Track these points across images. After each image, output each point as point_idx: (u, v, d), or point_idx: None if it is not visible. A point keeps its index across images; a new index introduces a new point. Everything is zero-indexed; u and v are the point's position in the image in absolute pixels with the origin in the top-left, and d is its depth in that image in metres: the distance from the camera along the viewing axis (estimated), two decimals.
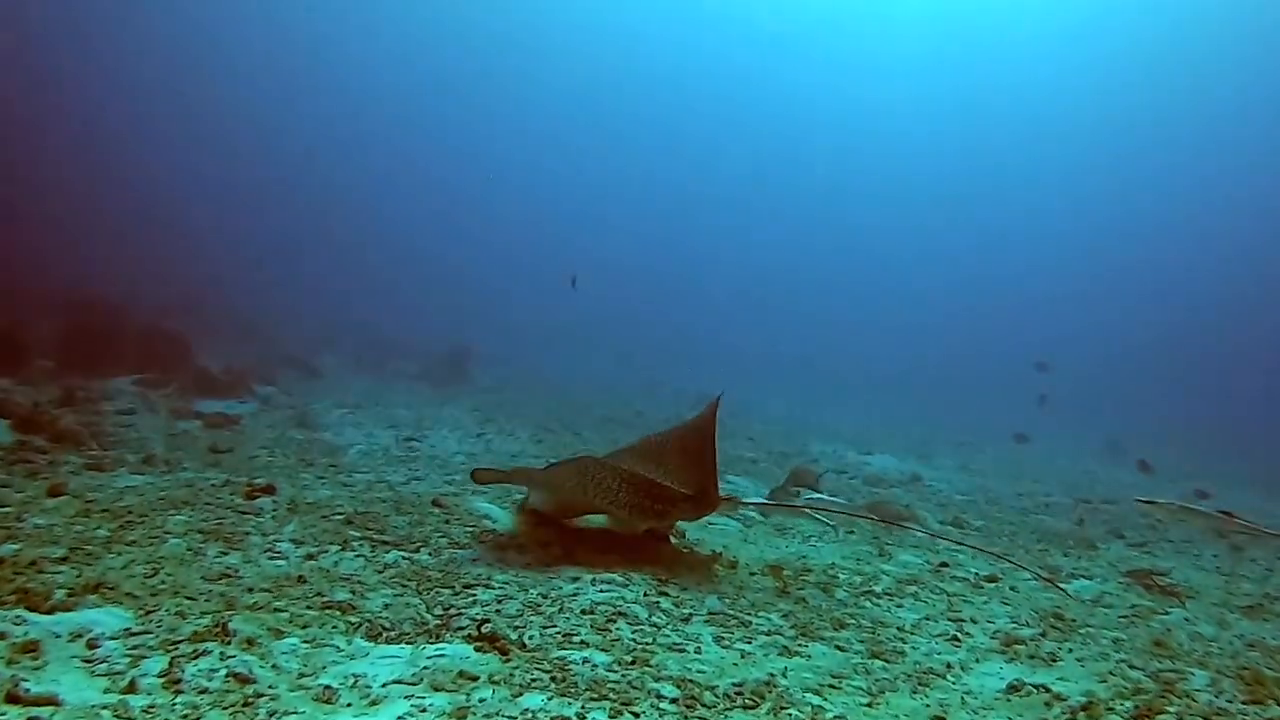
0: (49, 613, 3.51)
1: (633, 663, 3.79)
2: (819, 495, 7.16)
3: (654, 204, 74.43)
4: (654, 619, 4.45)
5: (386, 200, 67.98)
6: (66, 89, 50.34)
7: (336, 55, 65.26)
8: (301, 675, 3.32)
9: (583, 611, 4.40)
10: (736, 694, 3.58)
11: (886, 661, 4.26)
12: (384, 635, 3.86)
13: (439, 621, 4.08)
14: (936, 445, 18.29)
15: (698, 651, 4.07)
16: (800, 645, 4.34)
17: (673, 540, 6.40)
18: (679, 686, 3.57)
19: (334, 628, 3.84)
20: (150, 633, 3.45)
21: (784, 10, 65.88)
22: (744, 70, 70.64)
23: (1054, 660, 4.56)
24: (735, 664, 3.99)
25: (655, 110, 74.03)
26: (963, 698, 3.91)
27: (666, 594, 4.91)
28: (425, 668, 3.51)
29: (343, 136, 66.25)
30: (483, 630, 3.90)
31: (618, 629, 4.22)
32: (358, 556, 4.93)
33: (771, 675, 3.86)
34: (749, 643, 4.29)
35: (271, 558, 4.73)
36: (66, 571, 3.98)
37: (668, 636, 4.20)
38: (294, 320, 30.29)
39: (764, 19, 66.64)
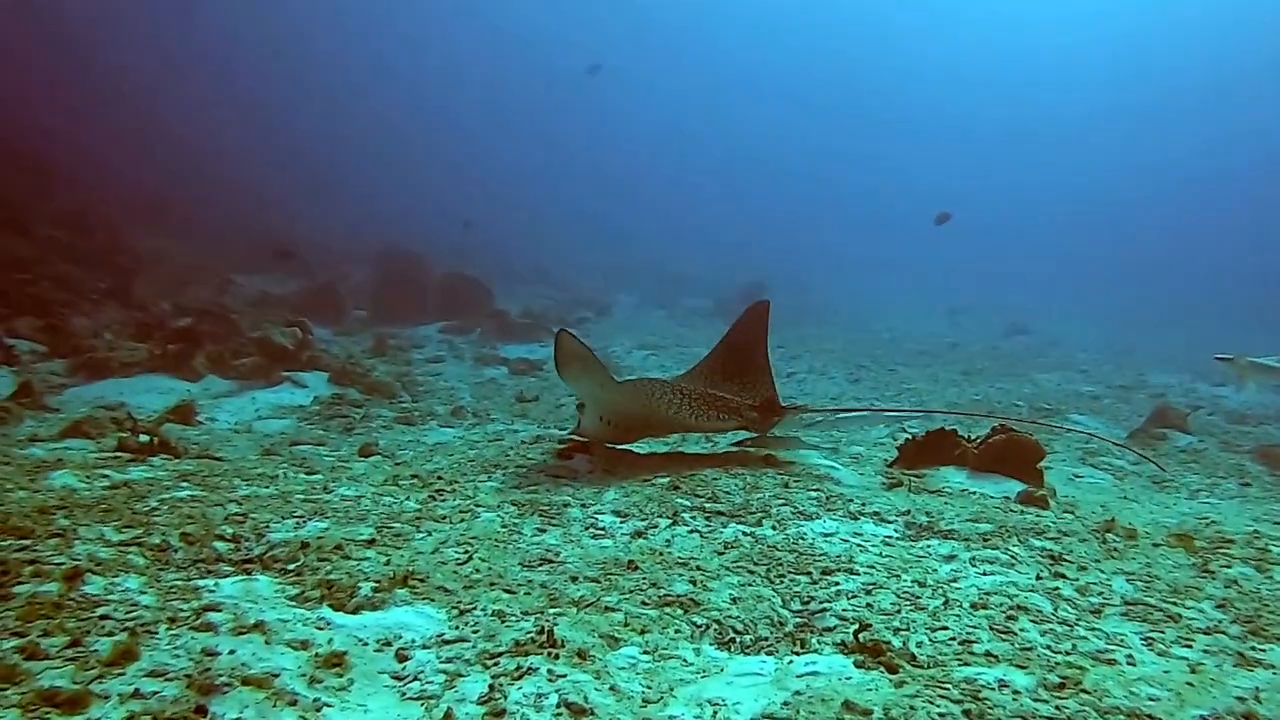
0: (355, 612, 3.07)
1: (1061, 685, 2.82)
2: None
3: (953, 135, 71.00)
4: (1061, 613, 3.43)
5: (674, 138, 69.16)
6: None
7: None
8: (646, 702, 2.64)
9: (973, 605, 3.45)
10: None
11: None
12: (737, 641, 3.13)
13: (800, 620, 3.30)
14: None
15: (1130, 662, 3.02)
16: (1258, 650, 3.17)
17: (1050, 503, 5.36)
18: None
19: (677, 631, 3.15)
20: (466, 640, 2.91)
21: None
22: None
23: None
24: (1189, 683, 2.91)
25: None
26: None
27: (1064, 575, 3.88)
28: (798, 693, 2.73)
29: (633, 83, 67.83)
30: (861, 638, 3.08)
31: (1023, 630, 3.24)
32: (692, 533, 4.25)
33: (1243, 700, 2.77)
34: (1188, 646, 3.18)
35: (595, 536, 4.15)
36: (373, 558, 3.57)
37: (1087, 640, 3.18)
38: (586, 261, 30.95)
39: None
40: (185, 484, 4.59)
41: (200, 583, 3.17)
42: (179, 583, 3.15)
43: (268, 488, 4.69)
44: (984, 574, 3.85)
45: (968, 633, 3.17)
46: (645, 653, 2.95)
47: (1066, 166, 65.89)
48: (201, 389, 8.59)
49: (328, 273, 17.96)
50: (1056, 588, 3.71)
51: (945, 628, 3.21)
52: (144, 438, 5.61)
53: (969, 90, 72.26)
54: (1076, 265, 45.46)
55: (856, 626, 3.14)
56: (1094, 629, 3.28)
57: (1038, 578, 3.82)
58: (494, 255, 25.64)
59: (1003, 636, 3.17)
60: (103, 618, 2.78)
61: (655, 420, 5.84)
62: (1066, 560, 4.11)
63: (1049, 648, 3.09)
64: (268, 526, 3.87)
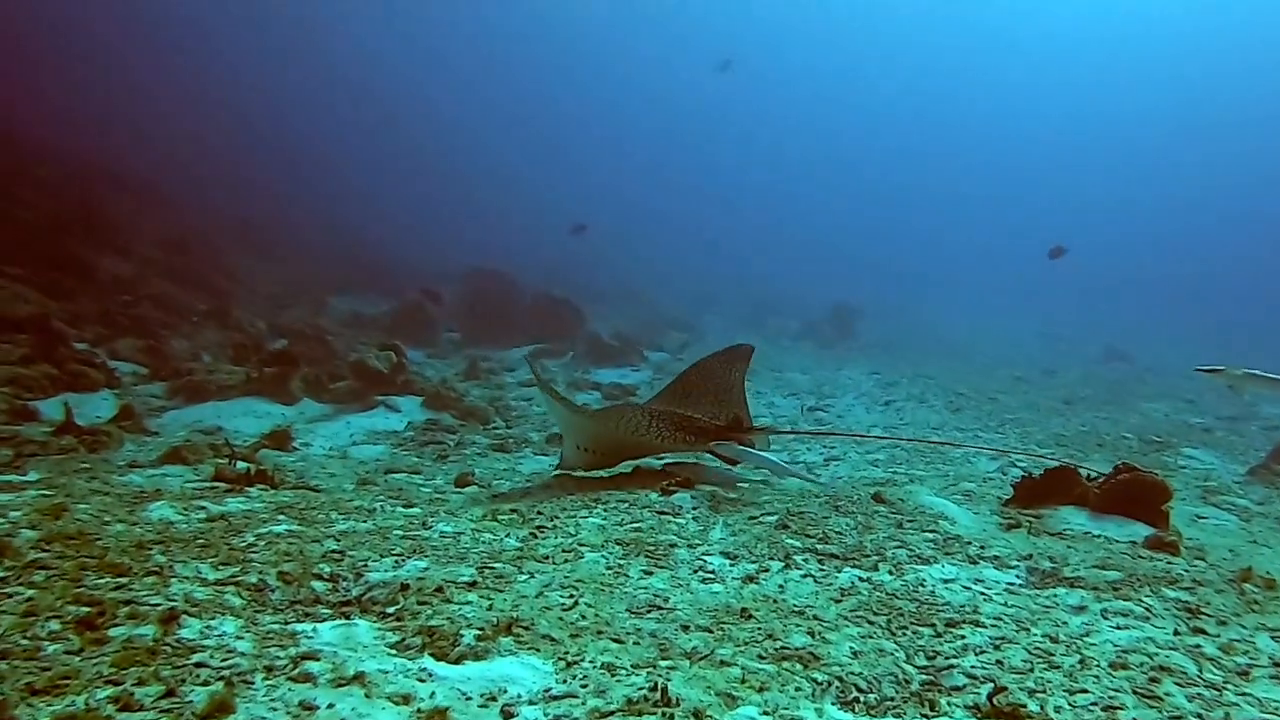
0: (457, 662, 2.94)
1: None
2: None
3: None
4: (1207, 675, 3.14)
5: (758, 159, 69.27)
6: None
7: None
8: None
9: (1111, 665, 3.19)
10: None
11: None
12: (861, 701, 2.91)
13: (926, 678, 3.07)
14: None
15: None
16: None
17: (1181, 550, 5.02)
18: None
19: (797, 689, 2.95)
20: (575, 696, 2.76)
21: None
22: None
23: None
24: None
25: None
26: None
27: (1204, 630, 3.57)
28: None
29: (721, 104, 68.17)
30: (996, 702, 2.84)
31: (1169, 695, 2.97)
32: (805, 577, 4.05)
33: None
34: None
35: (704, 580, 3.97)
36: (475, 602, 3.45)
37: (1239, 707, 2.89)
38: (672, 282, 30.91)
39: None
40: (282, 517, 4.55)
41: (298, 627, 3.08)
42: (276, 627, 3.07)
43: (365, 522, 4.63)
44: (1118, 628, 3.59)
45: (1110, 697, 2.94)
46: (765, 713, 2.76)
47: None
48: (297, 412, 8.67)
49: (419, 293, 18.16)
50: (1198, 645, 3.44)
51: (1085, 690, 2.98)
52: (241, 465, 5.63)
53: (1063, 103, 70.96)
54: (1174, 287, 44.34)
55: (991, 688, 2.91)
56: (1244, 694, 3.02)
57: (1176, 633, 3.55)
58: (581, 275, 25.72)
59: (1149, 702, 2.92)
60: (198, 665, 2.70)
61: (628, 445, 6.23)
62: (1205, 614, 3.82)
63: (1199, 716, 2.82)
64: (366, 565, 3.79)
